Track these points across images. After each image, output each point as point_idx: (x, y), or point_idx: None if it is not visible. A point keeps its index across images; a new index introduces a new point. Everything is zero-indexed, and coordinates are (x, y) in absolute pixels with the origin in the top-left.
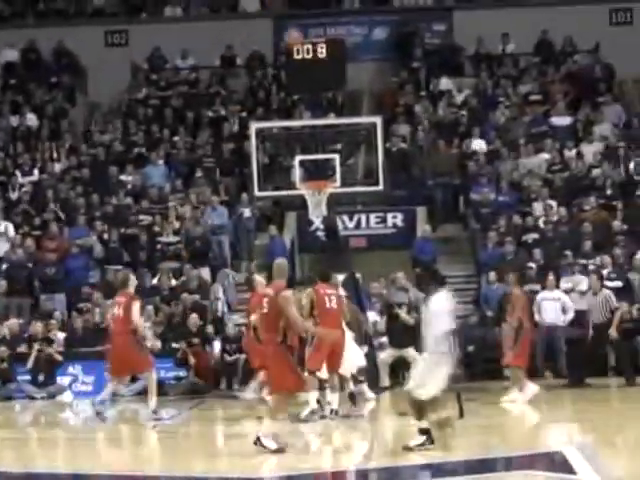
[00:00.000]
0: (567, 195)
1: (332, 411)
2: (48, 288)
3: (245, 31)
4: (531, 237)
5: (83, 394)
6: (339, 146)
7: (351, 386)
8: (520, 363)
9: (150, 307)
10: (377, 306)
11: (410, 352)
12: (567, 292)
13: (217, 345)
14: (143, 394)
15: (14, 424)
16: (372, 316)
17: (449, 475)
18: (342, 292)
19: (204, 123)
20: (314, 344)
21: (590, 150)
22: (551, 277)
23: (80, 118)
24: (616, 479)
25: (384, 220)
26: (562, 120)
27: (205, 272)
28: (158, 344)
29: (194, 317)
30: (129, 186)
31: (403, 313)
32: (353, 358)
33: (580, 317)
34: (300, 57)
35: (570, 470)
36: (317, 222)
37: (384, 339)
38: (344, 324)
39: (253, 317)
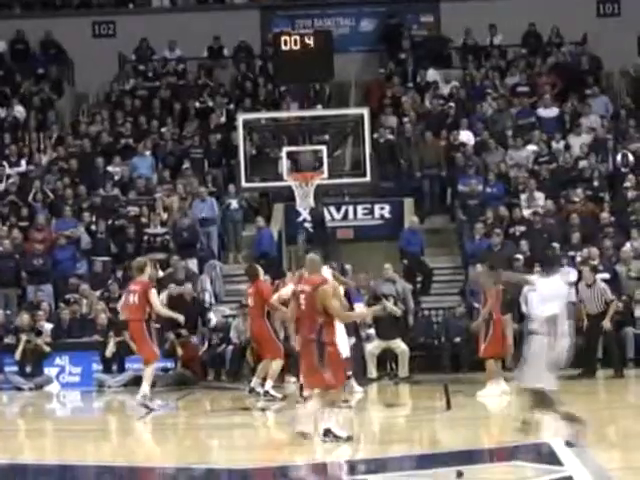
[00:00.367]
0: (554, 187)
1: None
2: (35, 279)
3: (232, 22)
4: (518, 229)
5: (70, 385)
6: (326, 137)
7: None
8: (493, 354)
9: None
10: (364, 297)
11: (397, 343)
12: None
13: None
14: (129, 385)
15: (1, 415)
16: (359, 307)
17: (436, 466)
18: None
19: (191, 114)
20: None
21: (577, 142)
22: (538, 269)
23: (67, 109)
24: (603, 471)
25: (371, 211)
26: (549, 112)
27: (193, 263)
28: (181, 318)
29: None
30: (116, 177)
31: (390, 304)
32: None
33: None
34: (287, 48)
35: (557, 462)
36: (304, 213)
37: (371, 330)
38: None
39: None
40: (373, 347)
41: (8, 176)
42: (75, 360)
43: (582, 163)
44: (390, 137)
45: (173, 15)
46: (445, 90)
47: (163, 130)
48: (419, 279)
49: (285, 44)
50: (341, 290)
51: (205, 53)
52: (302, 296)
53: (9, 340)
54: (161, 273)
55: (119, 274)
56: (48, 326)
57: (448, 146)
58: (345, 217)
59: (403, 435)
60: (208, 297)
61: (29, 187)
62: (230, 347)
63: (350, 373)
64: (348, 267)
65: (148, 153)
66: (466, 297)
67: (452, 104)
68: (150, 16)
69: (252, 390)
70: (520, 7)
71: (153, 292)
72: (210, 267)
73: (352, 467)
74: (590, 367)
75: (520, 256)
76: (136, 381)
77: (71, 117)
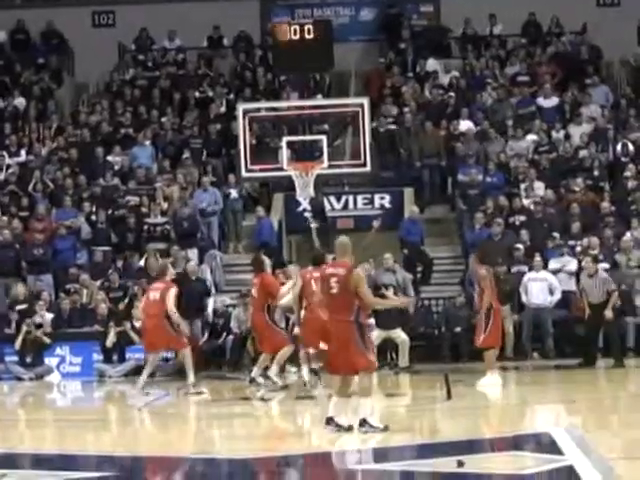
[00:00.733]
0: (555, 176)
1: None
2: (35, 269)
3: (232, 12)
4: (518, 219)
5: (71, 375)
6: (326, 127)
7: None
8: (492, 344)
9: (137, 288)
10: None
11: (397, 333)
12: (555, 273)
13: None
14: (130, 375)
15: (2, 405)
16: None
17: (437, 456)
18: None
19: (191, 104)
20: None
21: (578, 131)
22: (538, 258)
23: (67, 99)
24: (604, 460)
25: (371, 201)
26: (549, 101)
27: (193, 253)
28: (186, 331)
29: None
30: (116, 167)
31: (390, 294)
32: None
33: (567, 298)
34: (287, 38)
35: (558, 451)
36: (304, 203)
37: (371, 320)
38: None
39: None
40: (373, 337)
41: (8, 166)
42: (75, 350)
43: (582, 153)
44: (390, 127)
45: (173, 5)
46: (445, 80)
47: (163, 120)
48: (419, 269)
49: (285, 34)
50: None
51: (205, 43)
52: (333, 279)
53: (9, 330)
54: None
55: (119, 264)
56: (49, 316)
57: (448, 136)
58: (345, 207)
59: (403, 425)
60: (208, 286)
61: (29, 177)
62: (230, 337)
63: None
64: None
65: (148, 143)
66: (466, 287)
67: (452, 94)
68: (150, 6)
69: (252, 380)
70: None
71: (172, 293)
72: (210, 257)
73: (353, 457)
74: (590, 357)
75: (520, 246)
76: (137, 371)
77: (71, 107)
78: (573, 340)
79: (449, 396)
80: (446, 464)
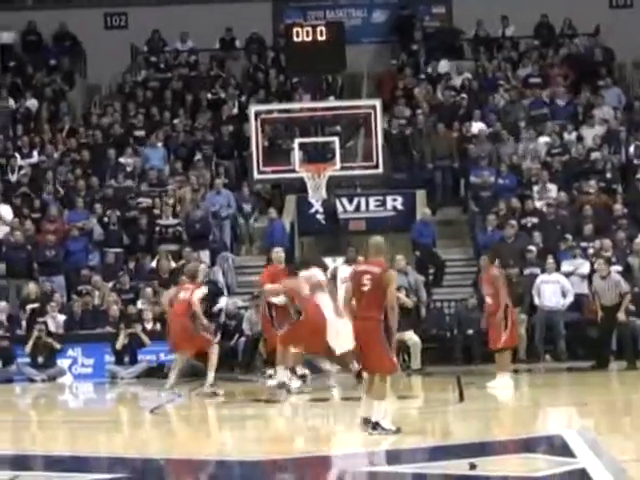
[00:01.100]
0: (567, 178)
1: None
2: (47, 271)
3: (244, 14)
4: (531, 220)
5: (83, 377)
6: (338, 129)
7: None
8: (513, 343)
9: (149, 290)
10: None
11: (409, 335)
12: (567, 275)
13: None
14: (142, 377)
15: (14, 406)
16: None
17: (449, 458)
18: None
19: (203, 106)
20: None
21: (590, 133)
22: (551, 260)
23: (79, 101)
24: (616, 463)
25: (384, 203)
26: (562, 103)
27: (205, 255)
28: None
29: None
30: (128, 169)
31: (402, 296)
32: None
33: (579, 301)
34: (299, 40)
35: (570, 454)
36: (317, 205)
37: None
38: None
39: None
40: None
41: (20, 167)
42: (87, 352)
43: (595, 155)
44: (402, 129)
45: (185, 6)
46: (457, 81)
47: (175, 121)
48: (431, 271)
49: (297, 35)
50: None
51: (217, 44)
52: (367, 277)
53: (21, 332)
54: (173, 264)
55: (131, 265)
56: (61, 317)
57: (460, 137)
58: (357, 209)
59: (416, 427)
60: (220, 288)
61: (41, 178)
62: (242, 339)
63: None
64: (360, 259)
65: (160, 144)
66: (478, 289)
67: (464, 95)
68: (162, 7)
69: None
70: None
71: (198, 293)
72: (222, 259)
73: (365, 459)
74: (603, 359)
75: (533, 248)
76: (149, 373)
77: (83, 109)
78: (585, 342)
79: (461, 398)
80: (458, 466)
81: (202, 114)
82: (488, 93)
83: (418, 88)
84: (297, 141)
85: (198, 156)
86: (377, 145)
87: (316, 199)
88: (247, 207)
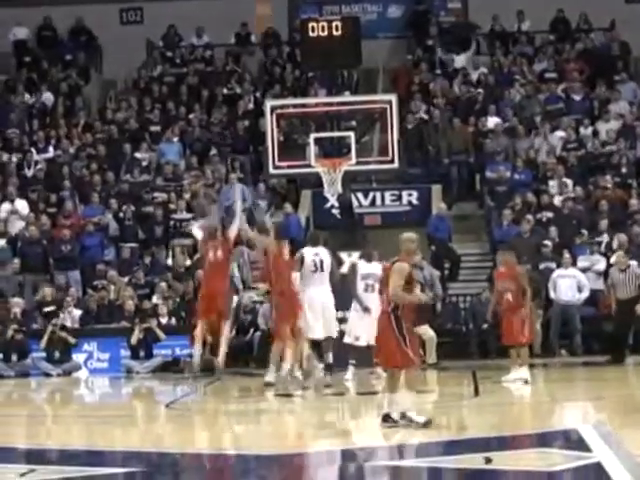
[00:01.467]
0: (583, 173)
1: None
2: (63, 265)
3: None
4: (546, 215)
5: (98, 371)
6: (354, 124)
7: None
8: (531, 338)
9: (163, 284)
10: None
11: (425, 329)
12: (584, 271)
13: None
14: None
15: (30, 401)
16: None
17: (464, 452)
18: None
19: (219, 101)
20: None
21: (606, 128)
22: (567, 255)
23: (95, 96)
24: (632, 457)
25: (399, 198)
26: (578, 98)
27: None
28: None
29: None
30: (144, 163)
31: (418, 291)
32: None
33: (595, 296)
34: (315, 35)
35: (586, 448)
36: (332, 200)
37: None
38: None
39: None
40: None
41: (36, 162)
42: (103, 346)
43: (610, 149)
44: (418, 123)
45: (201, 1)
46: (473, 76)
47: (191, 116)
48: (447, 265)
49: (313, 30)
50: None
51: (233, 39)
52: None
53: (37, 326)
54: (188, 260)
55: (147, 260)
56: (77, 312)
57: (476, 132)
58: (373, 203)
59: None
60: (236, 283)
61: (57, 173)
62: (258, 333)
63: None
64: (375, 253)
65: (176, 139)
66: (492, 283)
67: (480, 90)
68: (177, 2)
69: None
70: None
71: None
72: (238, 253)
73: (379, 453)
74: (619, 353)
75: (548, 242)
76: (164, 367)
77: (99, 104)
78: (601, 337)
79: (476, 392)
80: (473, 461)
81: (217, 109)
82: (504, 88)
83: (433, 83)
84: (312, 136)
85: (214, 151)
86: (393, 140)
87: (331, 194)
88: (262, 202)
